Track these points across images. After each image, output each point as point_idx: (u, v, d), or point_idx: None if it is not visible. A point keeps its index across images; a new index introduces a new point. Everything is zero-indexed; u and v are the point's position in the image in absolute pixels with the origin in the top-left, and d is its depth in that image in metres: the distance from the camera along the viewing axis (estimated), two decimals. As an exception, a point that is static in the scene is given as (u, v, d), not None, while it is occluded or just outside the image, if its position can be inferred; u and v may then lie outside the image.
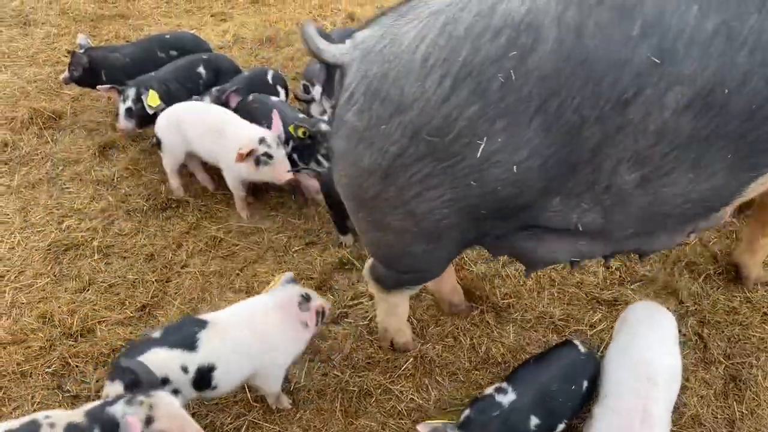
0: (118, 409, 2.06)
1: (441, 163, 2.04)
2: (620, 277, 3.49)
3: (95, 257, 3.56)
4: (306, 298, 2.70)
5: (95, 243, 3.63)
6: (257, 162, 3.55)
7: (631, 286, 3.44)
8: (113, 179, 4.08)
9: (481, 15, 1.90)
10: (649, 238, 2.39)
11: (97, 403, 2.16)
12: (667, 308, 3.22)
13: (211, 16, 6.03)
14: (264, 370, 2.66)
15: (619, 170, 2.03)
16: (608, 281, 3.47)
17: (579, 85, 1.89)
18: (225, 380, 2.54)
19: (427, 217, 2.19)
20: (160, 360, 2.38)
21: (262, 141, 3.53)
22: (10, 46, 5.41)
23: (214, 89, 4.15)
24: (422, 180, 2.09)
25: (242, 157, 3.50)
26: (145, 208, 3.89)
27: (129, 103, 4.02)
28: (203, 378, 2.48)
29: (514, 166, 2.00)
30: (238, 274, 3.49)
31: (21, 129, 4.43)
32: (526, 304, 3.35)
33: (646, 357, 2.50)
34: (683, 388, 2.76)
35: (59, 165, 4.19)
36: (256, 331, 2.60)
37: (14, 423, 2.09)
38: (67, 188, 4.02)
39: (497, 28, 1.88)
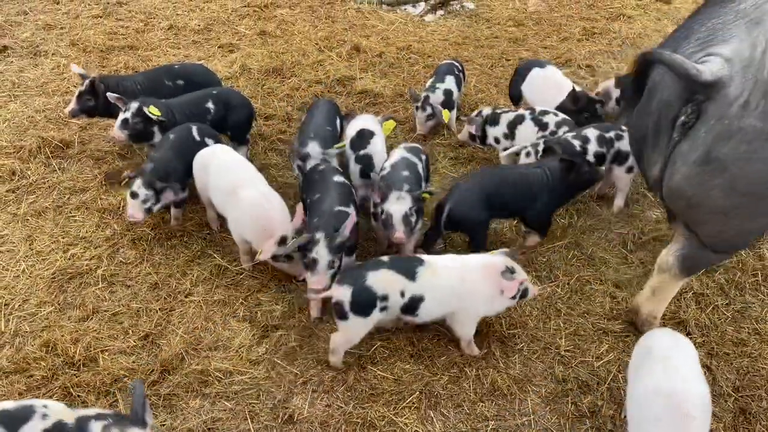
0: (94, 428, 2.17)
1: None
2: (626, 307, 3.46)
3: (100, 285, 3.56)
4: (511, 270, 3.01)
5: (100, 271, 3.63)
6: (274, 257, 3.43)
7: (638, 317, 3.41)
8: (119, 208, 4.09)
9: None
10: None
11: (90, 412, 2.25)
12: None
13: (219, 47, 6.11)
14: (458, 315, 3.06)
15: None
16: (615, 311, 3.45)
17: None
18: (426, 313, 2.98)
19: None
20: (386, 279, 2.85)
21: (282, 242, 3.35)
22: (20, 76, 5.49)
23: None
24: None
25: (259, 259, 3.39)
26: (150, 236, 3.90)
27: (127, 115, 4.04)
28: (412, 305, 2.92)
29: None
30: (242, 303, 3.48)
31: (29, 158, 4.47)
32: (531, 335, 3.32)
33: (681, 390, 2.40)
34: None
35: (66, 193, 4.22)
36: (460, 279, 2.98)
37: (11, 404, 2.22)
38: (73, 216, 4.04)
39: None
